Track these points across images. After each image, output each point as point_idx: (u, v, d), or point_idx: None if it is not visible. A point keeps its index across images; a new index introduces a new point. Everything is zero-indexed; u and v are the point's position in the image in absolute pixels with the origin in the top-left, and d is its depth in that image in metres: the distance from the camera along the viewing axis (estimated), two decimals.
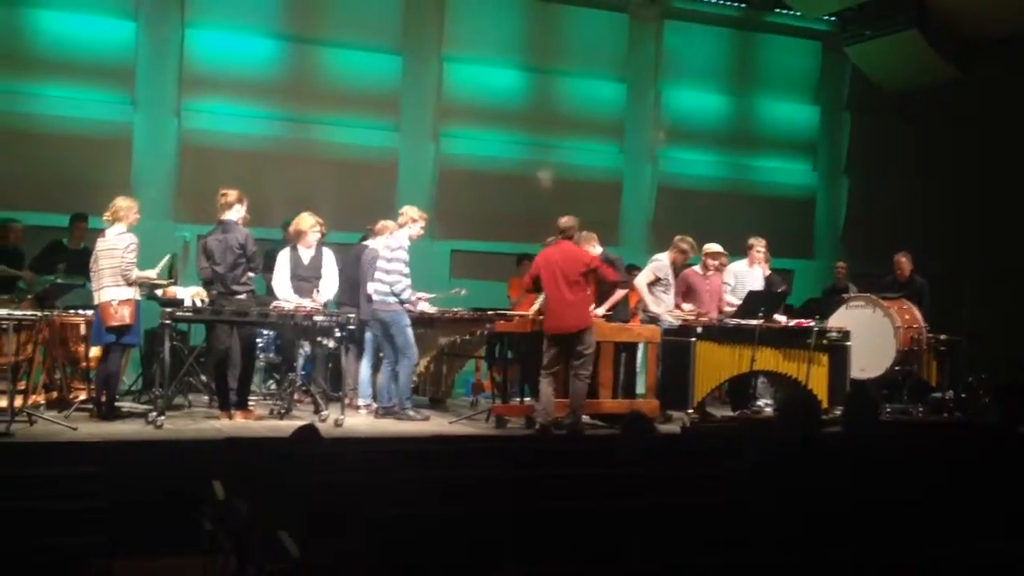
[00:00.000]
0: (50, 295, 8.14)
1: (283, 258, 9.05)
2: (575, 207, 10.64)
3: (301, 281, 8.97)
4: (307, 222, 9.06)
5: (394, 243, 8.97)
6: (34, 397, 8.42)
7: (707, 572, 3.48)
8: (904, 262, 11.08)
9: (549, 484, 4.93)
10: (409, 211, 9.12)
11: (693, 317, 9.36)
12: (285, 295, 8.81)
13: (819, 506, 4.16)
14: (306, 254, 9.10)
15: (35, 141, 10.67)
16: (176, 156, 11.41)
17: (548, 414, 8.25)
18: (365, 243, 9.78)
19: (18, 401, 7.77)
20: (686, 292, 9.66)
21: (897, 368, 10.32)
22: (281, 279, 8.94)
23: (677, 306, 9.52)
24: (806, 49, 14.48)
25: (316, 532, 4.28)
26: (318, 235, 9.15)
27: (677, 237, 9.68)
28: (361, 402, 9.29)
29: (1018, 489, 4.66)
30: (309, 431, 5.82)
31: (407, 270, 8.88)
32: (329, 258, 9.21)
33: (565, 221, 8.54)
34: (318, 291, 8.94)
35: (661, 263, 9.57)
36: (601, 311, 9.11)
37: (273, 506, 4.70)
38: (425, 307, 9.36)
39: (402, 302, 8.85)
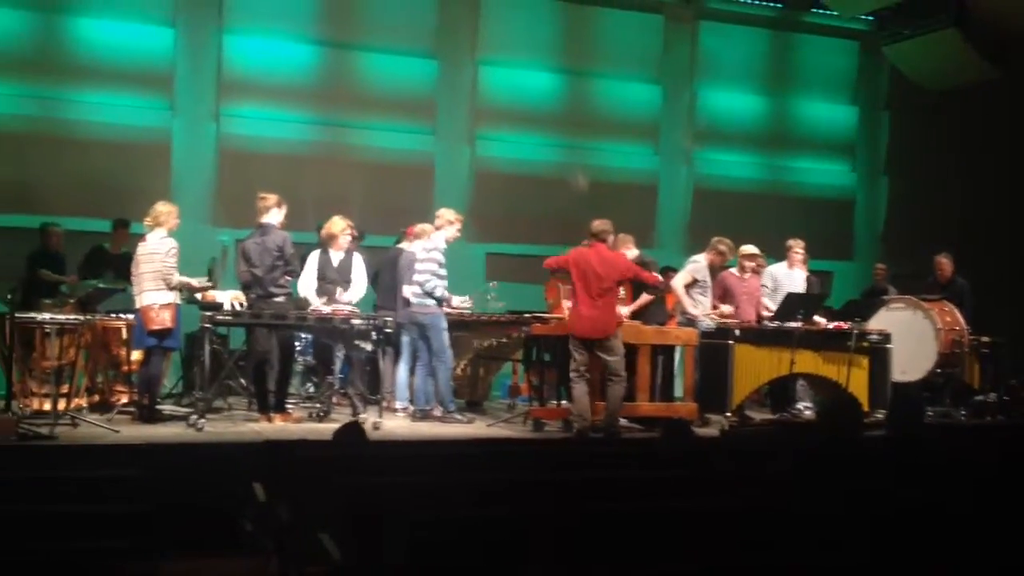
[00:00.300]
0: (92, 299, 8.24)
1: (312, 260, 9.08)
2: (610, 209, 10.62)
3: (329, 284, 8.99)
4: (338, 225, 9.09)
5: (430, 244, 9.00)
6: (77, 400, 8.50)
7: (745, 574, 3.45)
8: (945, 263, 10.96)
9: (587, 487, 4.92)
10: (445, 213, 9.15)
11: (732, 320, 9.31)
12: (308, 296, 8.82)
13: (861, 509, 4.12)
14: (336, 257, 9.13)
15: (75, 147, 10.80)
16: (214, 161, 11.51)
17: (584, 418, 8.22)
18: (400, 246, 9.81)
19: (61, 404, 7.86)
20: (723, 295, 9.61)
21: (938, 371, 10.21)
22: (306, 280, 8.95)
23: (714, 308, 9.47)
24: (843, 49, 14.39)
25: (357, 534, 4.29)
26: (349, 238, 9.17)
27: (715, 239, 9.63)
28: (399, 405, 9.31)
29: None
30: (354, 429, 5.86)
31: (442, 271, 8.91)
32: (359, 262, 9.22)
33: (599, 224, 8.46)
34: (342, 291, 8.94)
35: (699, 265, 9.52)
36: (627, 311, 9.05)
37: (314, 508, 4.72)
38: (459, 303, 9.33)
39: (437, 300, 8.87)
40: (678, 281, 9.46)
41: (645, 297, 9.28)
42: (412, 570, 3.81)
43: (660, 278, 9.06)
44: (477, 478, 5.17)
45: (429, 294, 8.85)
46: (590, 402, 8.27)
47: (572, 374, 8.29)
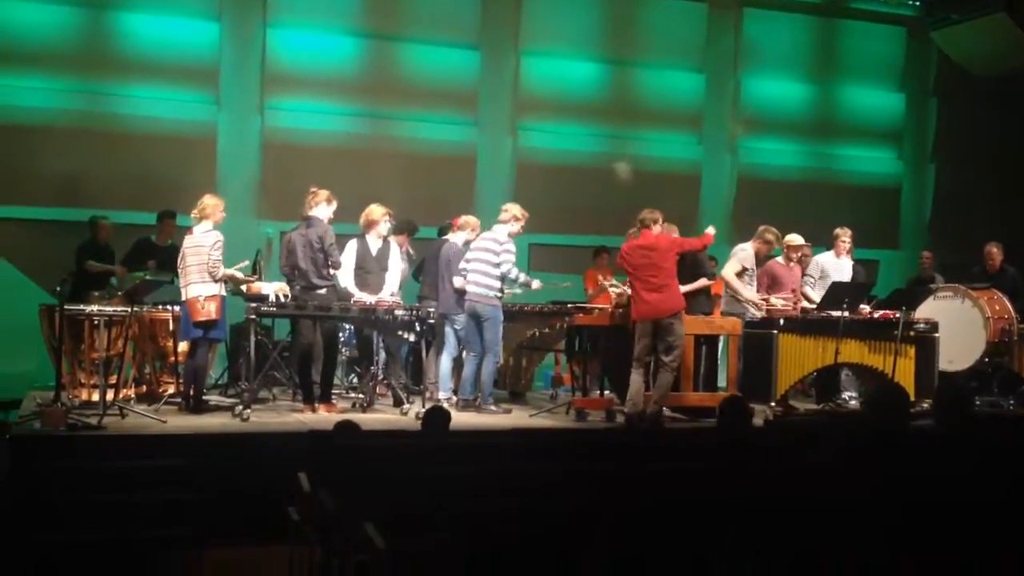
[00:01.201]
0: (140, 291, 8.34)
1: (350, 249, 9.03)
2: (654, 199, 10.54)
3: (367, 274, 8.98)
4: (377, 212, 9.07)
5: (502, 237, 9.02)
6: (124, 391, 8.64)
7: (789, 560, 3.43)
8: (995, 252, 10.80)
9: (632, 476, 4.91)
10: (512, 208, 9.20)
11: (789, 307, 9.24)
12: (348, 287, 8.83)
13: (907, 497, 4.08)
14: (374, 245, 9.11)
15: (122, 141, 10.91)
16: (259, 154, 11.60)
17: (637, 405, 8.22)
18: (445, 237, 9.84)
19: (109, 395, 7.98)
20: (771, 283, 9.54)
21: (987, 360, 10.07)
22: (345, 270, 8.90)
23: (764, 300, 9.39)
24: (890, 35, 14.18)
25: (401, 523, 4.32)
26: (388, 226, 9.19)
27: (762, 227, 9.56)
28: (442, 395, 9.34)
29: None
30: (348, 426, 5.97)
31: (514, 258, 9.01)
32: (395, 250, 9.24)
33: (645, 213, 8.51)
34: (382, 284, 8.96)
35: (747, 253, 9.45)
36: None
37: (359, 498, 4.75)
38: (536, 285, 9.33)
39: (524, 285, 9.01)
40: (729, 270, 9.39)
41: (702, 282, 9.19)
42: (456, 559, 3.83)
43: (710, 236, 8.91)
44: (522, 468, 5.18)
45: (514, 280, 8.95)
46: (643, 391, 8.27)
47: (634, 362, 8.29)
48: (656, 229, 8.64)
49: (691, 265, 8.86)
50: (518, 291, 9.48)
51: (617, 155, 12.81)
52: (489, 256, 8.99)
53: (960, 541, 3.79)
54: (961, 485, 4.40)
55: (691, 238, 8.80)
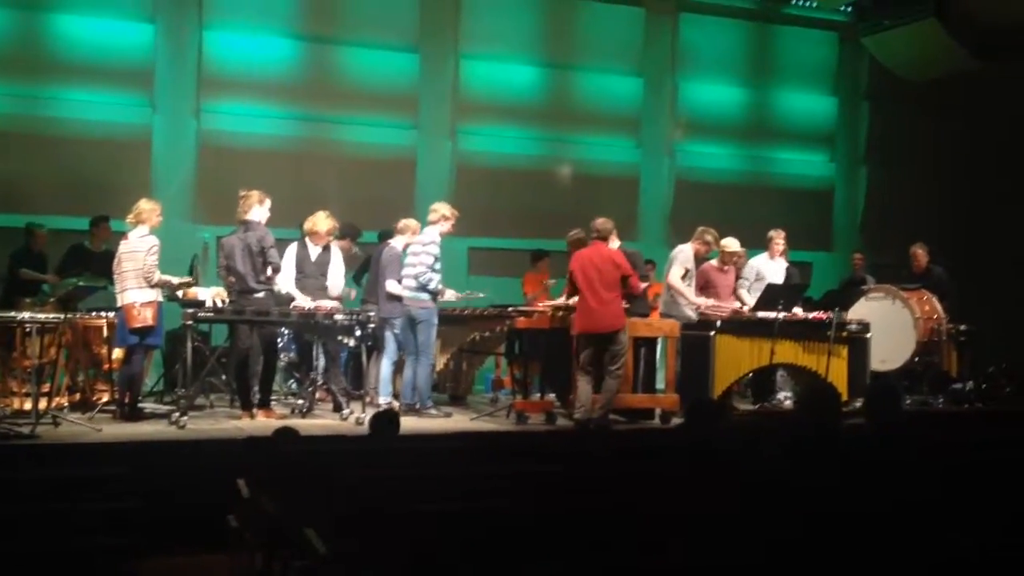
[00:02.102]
0: (73, 298, 8.21)
1: (290, 253, 9.02)
2: (592, 202, 10.71)
3: (306, 278, 8.97)
4: (324, 224, 9.07)
5: (426, 238, 9.03)
6: (58, 399, 8.49)
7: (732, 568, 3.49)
8: (920, 254, 11.03)
9: (575, 479, 4.96)
10: (441, 208, 9.20)
11: (726, 311, 9.37)
12: (290, 291, 8.80)
13: (842, 502, 4.16)
14: (314, 251, 9.10)
15: (56, 145, 10.74)
16: (195, 157, 11.47)
17: (587, 411, 8.28)
18: (387, 241, 9.83)
19: (42, 403, 7.85)
20: (705, 286, 9.66)
21: (917, 359, 10.30)
22: (285, 275, 8.87)
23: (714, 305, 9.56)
24: (823, 40, 14.45)
25: (342, 529, 4.31)
26: (331, 237, 9.19)
27: (701, 228, 9.65)
28: (382, 400, 9.32)
29: None
30: (287, 432, 5.96)
31: (437, 265, 8.97)
32: (336, 255, 9.22)
33: (601, 223, 8.56)
34: (325, 288, 8.95)
35: (687, 254, 9.55)
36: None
37: (299, 503, 4.74)
38: (450, 296, 9.36)
39: (431, 293, 8.93)
40: (675, 275, 9.45)
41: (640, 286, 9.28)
42: (397, 564, 3.84)
43: (642, 287, 9.02)
44: (463, 471, 5.20)
45: (424, 287, 8.89)
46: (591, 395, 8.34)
47: (579, 372, 8.34)
48: (613, 243, 8.72)
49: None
50: (451, 298, 9.47)
51: (556, 158, 12.89)
52: (411, 257, 9.00)
53: (892, 541, 3.86)
54: (893, 484, 4.50)
55: (636, 279, 8.72)
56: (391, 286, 9.16)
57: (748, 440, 5.94)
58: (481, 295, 9.95)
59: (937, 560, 3.55)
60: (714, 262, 9.81)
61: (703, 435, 5.65)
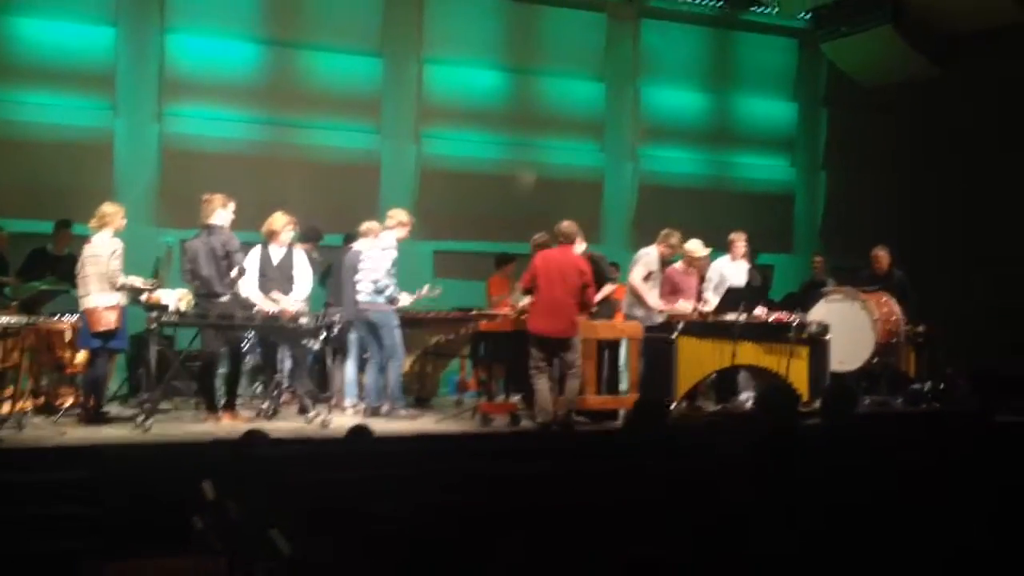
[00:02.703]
0: (36, 301, 8.18)
1: (252, 257, 8.95)
2: (556, 206, 10.74)
3: (269, 281, 8.89)
4: (280, 221, 9.01)
5: (384, 243, 9.04)
6: (21, 404, 8.43)
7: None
8: (882, 256, 11.16)
9: (542, 478, 5.01)
10: (397, 214, 9.20)
11: (690, 311, 9.47)
12: (251, 295, 8.74)
13: (800, 496, 4.25)
14: (277, 254, 9.04)
15: (16, 148, 10.69)
16: (158, 161, 11.44)
17: (547, 413, 8.34)
18: (350, 245, 9.84)
19: (5, 407, 7.80)
20: (672, 290, 9.77)
21: (876, 360, 10.42)
22: (248, 279, 8.79)
23: (668, 302, 9.65)
24: (782, 46, 14.64)
25: (309, 530, 4.34)
26: (291, 234, 9.14)
27: (665, 231, 9.74)
28: (348, 402, 9.35)
29: (998, 476, 4.76)
30: (257, 434, 5.98)
31: (394, 270, 8.96)
32: (301, 258, 9.18)
33: (567, 226, 8.64)
34: (282, 295, 8.87)
35: (651, 257, 9.64)
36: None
37: (264, 505, 4.75)
38: (405, 300, 9.35)
39: (389, 300, 8.92)
40: (636, 276, 9.53)
41: (607, 288, 9.37)
42: (365, 564, 3.87)
43: (596, 298, 9.09)
44: (432, 470, 5.24)
45: (380, 292, 8.90)
46: (550, 395, 8.40)
47: (532, 371, 8.40)
48: (579, 246, 8.79)
49: (595, 273, 9.01)
50: (406, 302, 9.47)
51: (520, 162, 12.96)
52: (369, 263, 9.02)
53: (848, 538, 3.94)
54: (848, 482, 4.60)
55: (593, 286, 8.78)
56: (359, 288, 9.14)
57: (702, 439, 6.04)
58: (437, 292, 9.86)
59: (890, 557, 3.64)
60: (678, 265, 9.91)
61: (647, 435, 5.72)
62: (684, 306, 9.59)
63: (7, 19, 10.85)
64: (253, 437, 5.98)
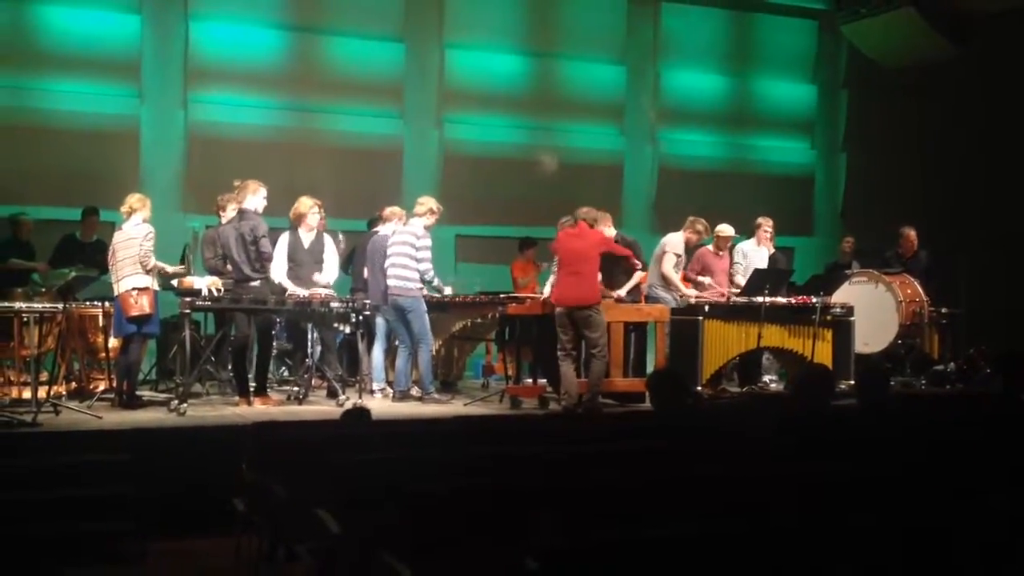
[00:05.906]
0: (72, 288, 8.26)
1: (282, 242, 9.02)
2: (577, 190, 10.80)
3: (298, 267, 8.98)
4: (306, 204, 9.09)
5: (419, 231, 9.10)
6: (56, 388, 8.55)
7: (725, 539, 3.60)
8: (912, 236, 11.15)
9: (573, 460, 5.07)
10: (428, 201, 9.27)
11: (718, 295, 9.56)
12: (280, 279, 8.83)
13: (837, 475, 4.31)
14: (307, 238, 9.10)
15: (43, 136, 10.75)
16: (184, 148, 11.51)
17: (572, 396, 8.42)
18: (375, 230, 9.91)
19: (42, 392, 7.91)
20: (702, 270, 9.86)
21: (900, 342, 10.48)
22: (277, 263, 8.87)
23: (697, 284, 9.74)
24: (802, 28, 14.59)
25: (350, 509, 4.41)
26: (318, 217, 9.20)
27: (691, 218, 9.87)
28: (376, 387, 9.43)
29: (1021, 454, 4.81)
30: (360, 413, 6.01)
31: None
32: (330, 244, 9.28)
33: (585, 210, 8.73)
34: (318, 274, 8.98)
35: (679, 242, 9.73)
36: (623, 292, 9.24)
37: (305, 486, 4.83)
38: (448, 290, 9.48)
39: (436, 289, 9.09)
40: (668, 265, 9.65)
41: (639, 275, 9.43)
42: (405, 541, 3.95)
43: (633, 257, 9.21)
44: (466, 452, 5.31)
45: (429, 283, 9.04)
46: (576, 379, 8.47)
47: (559, 353, 8.48)
48: (609, 230, 8.92)
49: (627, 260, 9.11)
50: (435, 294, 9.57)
51: (541, 146, 12.99)
52: (408, 249, 9.07)
53: (885, 513, 3.99)
54: (883, 460, 4.65)
55: (619, 246, 8.97)
56: (389, 273, 9.21)
57: (733, 418, 6.08)
58: (476, 286, 10.03)
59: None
60: (710, 247, 10.01)
61: (676, 412, 5.74)
62: (712, 286, 9.68)
63: (33, 8, 10.91)
64: (355, 415, 6.01)
